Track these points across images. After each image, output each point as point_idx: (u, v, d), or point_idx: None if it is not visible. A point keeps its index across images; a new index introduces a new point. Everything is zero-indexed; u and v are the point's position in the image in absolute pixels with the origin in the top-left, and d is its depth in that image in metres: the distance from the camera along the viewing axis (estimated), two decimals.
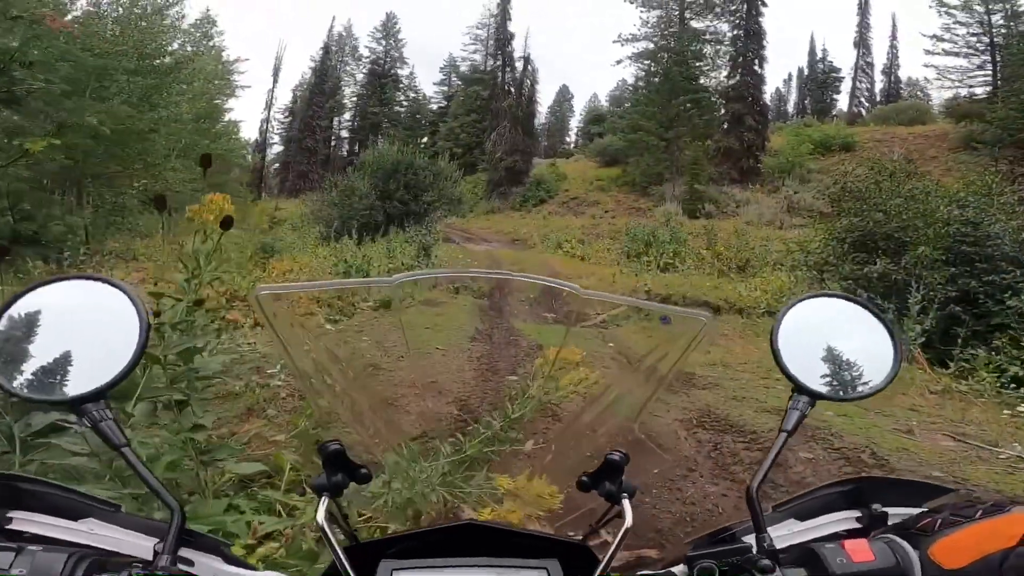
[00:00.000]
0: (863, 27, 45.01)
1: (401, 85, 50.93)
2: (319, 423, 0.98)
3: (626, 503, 0.64)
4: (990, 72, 29.72)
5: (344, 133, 50.86)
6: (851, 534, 0.66)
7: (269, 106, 48.09)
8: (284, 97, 54.65)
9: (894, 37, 46.11)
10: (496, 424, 1.58)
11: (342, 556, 0.58)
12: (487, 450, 1.56)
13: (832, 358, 0.73)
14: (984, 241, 7.66)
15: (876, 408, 4.63)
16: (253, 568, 0.59)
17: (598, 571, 0.62)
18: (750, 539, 0.61)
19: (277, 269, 11.92)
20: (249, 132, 47.50)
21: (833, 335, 0.75)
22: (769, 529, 0.61)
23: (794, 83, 52.35)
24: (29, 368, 0.60)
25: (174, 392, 1.63)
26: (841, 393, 0.72)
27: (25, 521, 0.59)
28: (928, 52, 34.08)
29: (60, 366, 0.60)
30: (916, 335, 6.79)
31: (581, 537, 0.72)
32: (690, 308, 0.70)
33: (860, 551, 0.58)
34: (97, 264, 10.76)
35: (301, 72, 69.59)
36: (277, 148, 49.77)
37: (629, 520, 0.61)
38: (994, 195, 8.54)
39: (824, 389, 0.70)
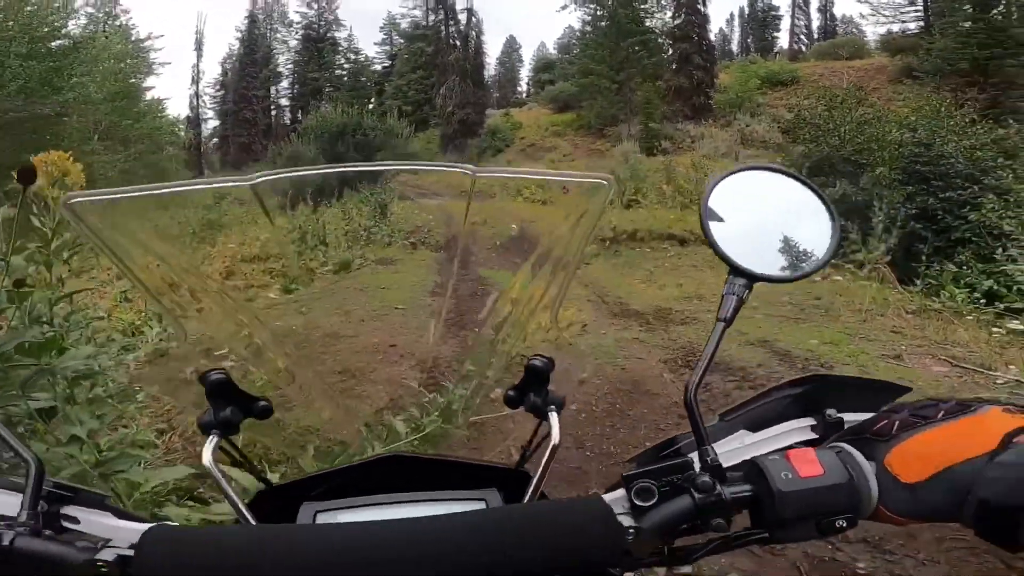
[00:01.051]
0: None
1: (340, 48, 48.69)
2: (187, 353, 0.66)
3: (553, 417, 0.57)
4: (921, 7, 30.42)
5: (284, 101, 48.75)
6: (806, 445, 0.57)
7: (196, 80, 45.99)
8: (212, 71, 51.88)
9: None
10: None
11: (239, 501, 0.53)
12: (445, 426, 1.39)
13: (767, 236, 0.66)
14: (938, 160, 7.95)
15: (860, 333, 4.59)
16: (144, 520, 0.52)
17: (526, 497, 0.56)
18: (693, 455, 0.53)
19: (227, 243, 11.36)
20: (179, 109, 45.25)
21: (767, 211, 0.68)
22: (719, 443, 0.56)
23: (736, 23, 52.65)
24: None
25: (29, 400, 1.26)
26: (780, 273, 0.64)
27: None
28: None
29: None
30: (881, 254, 6.91)
31: (518, 460, 0.65)
32: (592, 174, 0.60)
33: (807, 463, 0.49)
34: None
35: (228, 43, 66.28)
36: (213, 123, 47.63)
37: (556, 436, 0.55)
38: (943, 118, 8.80)
39: (763, 270, 0.62)
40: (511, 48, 60.06)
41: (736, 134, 25.17)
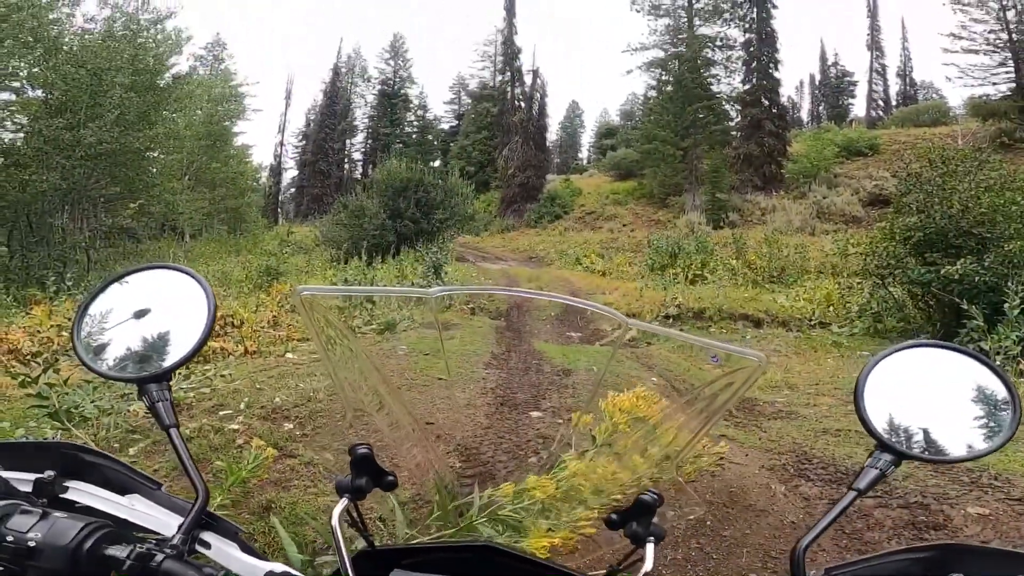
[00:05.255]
0: (874, 29, 44.42)
1: (411, 105, 50.84)
2: (347, 427, 0.73)
3: (650, 547, 0.60)
4: (1012, 68, 28.16)
5: (357, 155, 50.85)
6: None
7: (282, 129, 48.84)
8: (297, 120, 55.04)
9: (905, 39, 46.13)
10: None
11: (347, 561, 0.60)
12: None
13: (928, 414, 0.64)
14: None
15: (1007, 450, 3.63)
16: (265, 559, 0.60)
17: None
18: None
19: (280, 291, 11.32)
20: (263, 156, 48.04)
21: (931, 389, 0.67)
22: None
23: (806, 89, 51.67)
24: (109, 346, 0.68)
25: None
26: (937, 454, 0.63)
27: (79, 491, 0.65)
28: (946, 51, 32.45)
29: (134, 347, 0.67)
30: (1013, 342, 5.82)
31: None
32: (745, 348, 0.62)
33: None
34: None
35: (313, 96, 70.50)
36: (292, 172, 50.05)
37: (649, 565, 0.59)
38: None
39: (916, 448, 0.62)
40: (573, 113, 61.15)
41: (811, 207, 24.00)
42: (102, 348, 0.68)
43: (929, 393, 0.67)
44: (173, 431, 0.63)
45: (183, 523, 0.57)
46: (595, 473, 1.00)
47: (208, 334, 0.66)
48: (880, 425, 0.63)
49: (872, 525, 2.73)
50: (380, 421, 0.80)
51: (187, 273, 0.70)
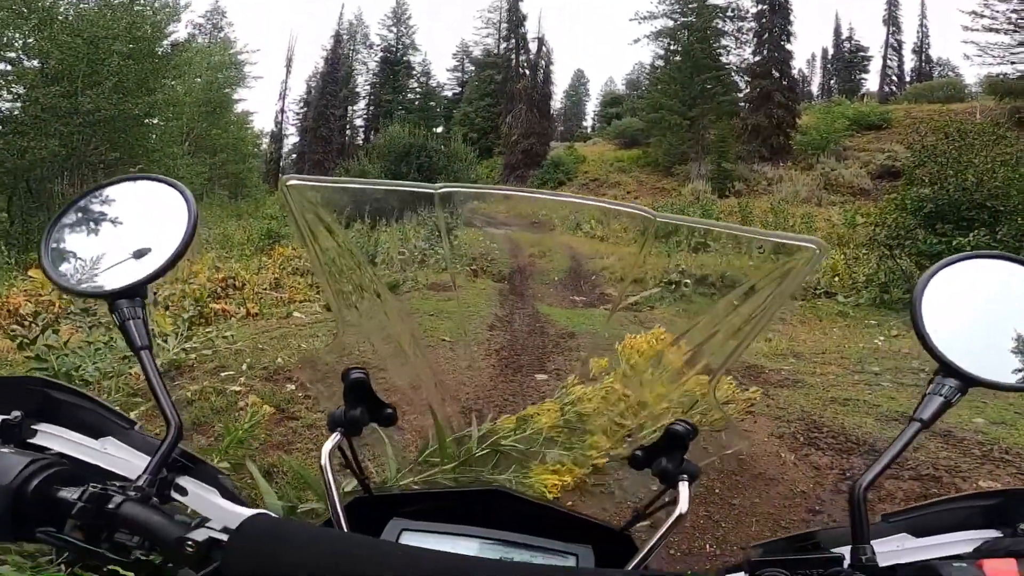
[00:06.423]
0: (892, 4, 43.50)
1: (414, 72, 50.07)
2: (339, 347, 0.68)
3: (683, 487, 0.53)
4: None
5: (359, 121, 50.27)
6: (982, 557, 0.47)
7: (283, 96, 48.20)
8: (298, 87, 54.47)
9: (923, 15, 45.89)
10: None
11: (339, 507, 0.54)
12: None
13: (995, 334, 0.56)
14: None
15: None
16: (247, 505, 0.53)
17: (633, 562, 0.52)
18: (843, 551, 0.47)
19: (282, 254, 11.31)
20: (265, 122, 47.72)
21: (997, 305, 0.59)
22: (872, 542, 0.48)
23: (818, 63, 51.10)
24: (79, 262, 0.62)
25: None
26: (1007, 379, 0.54)
27: (49, 435, 0.58)
28: (967, 28, 31.50)
29: (107, 261, 0.61)
30: None
31: (624, 523, 0.62)
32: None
33: (1005, 573, 0.42)
34: None
35: (314, 63, 69.54)
36: (294, 139, 49.64)
37: (684, 506, 0.51)
38: None
39: (983, 372, 0.53)
40: (579, 81, 60.29)
41: (819, 178, 23.69)
42: (72, 263, 0.62)
43: (996, 311, 0.59)
44: (144, 353, 0.55)
45: (149, 463, 0.50)
46: (604, 397, 0.89)
47: (187, 244, 0.59)
48: (943, 345, 0.54)
49: (883, 496, 2.69)
50: (375, 338, 0.72)
51: (166, 182, 0.64)
